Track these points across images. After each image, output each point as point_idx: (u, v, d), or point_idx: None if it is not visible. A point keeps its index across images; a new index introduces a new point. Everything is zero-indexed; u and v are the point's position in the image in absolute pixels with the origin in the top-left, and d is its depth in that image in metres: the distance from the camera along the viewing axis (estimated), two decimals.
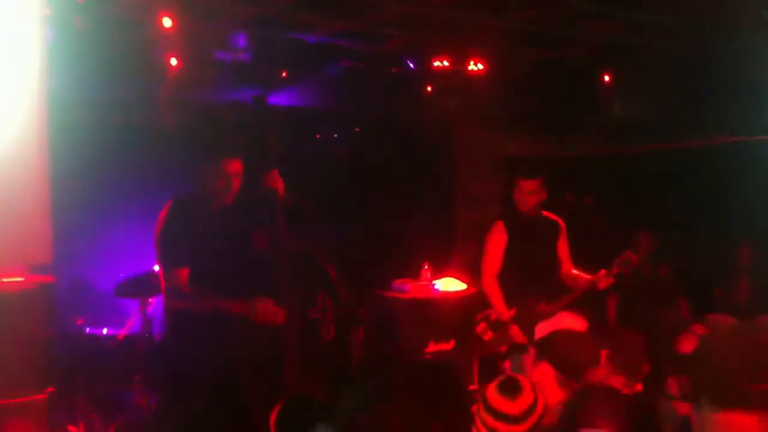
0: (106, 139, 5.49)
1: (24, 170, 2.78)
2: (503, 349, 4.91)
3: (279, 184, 4.03)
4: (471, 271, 6.50)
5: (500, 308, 4.95)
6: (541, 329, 3.63)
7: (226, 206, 3.97)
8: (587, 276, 5.01)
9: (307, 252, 3.81)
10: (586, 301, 4.95)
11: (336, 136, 7.74)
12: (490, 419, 2.62)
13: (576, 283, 5.04)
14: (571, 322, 3.59)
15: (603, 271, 4.88)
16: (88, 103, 5.02)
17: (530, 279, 4.97)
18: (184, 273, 3.86)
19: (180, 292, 3.86)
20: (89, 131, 5.14)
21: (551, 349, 3.38)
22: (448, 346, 6.80)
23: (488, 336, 4.99)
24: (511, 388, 2.67)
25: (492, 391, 2.69)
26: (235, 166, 3.92)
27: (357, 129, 7.78)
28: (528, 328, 4.47)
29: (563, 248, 5.17)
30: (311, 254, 3.84)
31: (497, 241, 5.06)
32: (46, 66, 2.80)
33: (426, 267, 7.12)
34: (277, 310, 3.93)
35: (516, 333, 4.85)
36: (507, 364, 4.88)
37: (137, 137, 5.71)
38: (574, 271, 5.14)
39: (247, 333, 3.87)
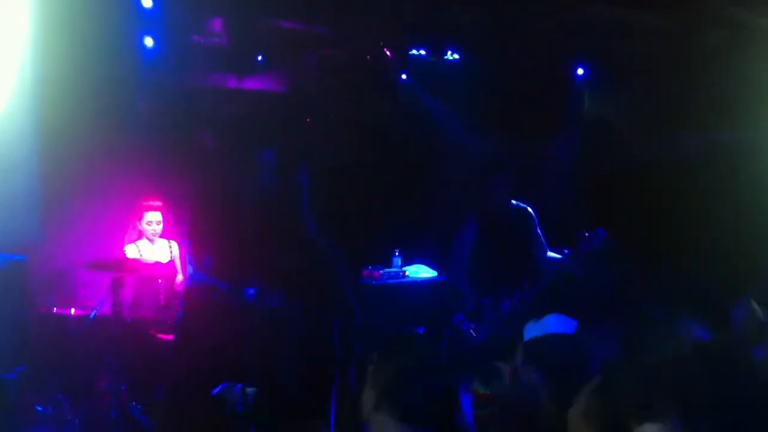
0: (88, 122, 5.39)
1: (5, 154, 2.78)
2: (477, 339, 4.97)
3: (305, 180, 4.08)
4: (441, 259, 6.55)
5: (470, 296, 5.03)
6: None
7: (257, 200, 4.02)
8: (558, 257, 5.09)
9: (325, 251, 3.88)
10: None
11: (309, 121, 7.73)
12: None
13: (550, 267, 5.12)
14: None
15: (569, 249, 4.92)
16: (72, 86, 4.94)
17: (504, 270, 5.04)
18: (209, 262, 3.94)
19: (204, 280, 3.94)
20: (70, 114, 5.05)
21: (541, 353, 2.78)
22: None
23: (465, 325, 5.04)
24: None
25: None
26: (269, 156, 4.00)
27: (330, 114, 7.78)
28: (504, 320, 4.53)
29: (536, 234, 5.27)
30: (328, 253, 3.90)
31: (467, 234, 5.15)
32: (33, 45, 2.79)
33: (396, 254, 7.17)
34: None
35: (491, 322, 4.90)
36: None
37: (122, 123, 5.63)
38: (550, 254, 5.24)
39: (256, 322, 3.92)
